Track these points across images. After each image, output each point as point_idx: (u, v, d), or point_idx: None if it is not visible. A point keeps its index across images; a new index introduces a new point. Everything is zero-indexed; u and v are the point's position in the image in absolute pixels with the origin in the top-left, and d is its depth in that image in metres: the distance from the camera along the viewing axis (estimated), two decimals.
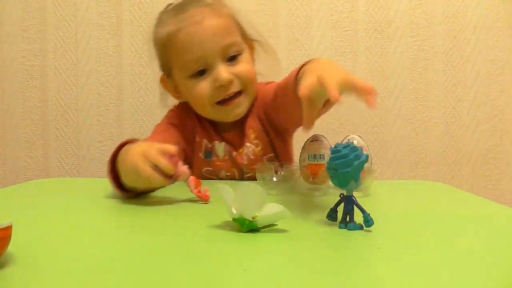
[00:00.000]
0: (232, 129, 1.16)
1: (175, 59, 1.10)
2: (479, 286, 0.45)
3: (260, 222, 0.62)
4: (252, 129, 1.15)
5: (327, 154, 0.94)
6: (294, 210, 0.68)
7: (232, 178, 1.15)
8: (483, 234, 0.66)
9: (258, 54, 1.20)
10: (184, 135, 1.15)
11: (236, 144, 1.15)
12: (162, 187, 0.82)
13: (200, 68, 1.07)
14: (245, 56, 1.12)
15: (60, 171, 1.59)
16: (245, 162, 1.14)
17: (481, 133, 1.58)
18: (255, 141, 1.15)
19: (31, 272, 0.47)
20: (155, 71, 1.25)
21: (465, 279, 0.46)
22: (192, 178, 0.84)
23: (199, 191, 0.84)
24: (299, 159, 0.97)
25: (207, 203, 0.83)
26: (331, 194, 0.92)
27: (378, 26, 1.56)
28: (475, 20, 1.56)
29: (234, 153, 1.14)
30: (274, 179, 0.95)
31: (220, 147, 1.15)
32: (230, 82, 1.07)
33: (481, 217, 0.77)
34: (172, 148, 0.82)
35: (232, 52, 1.08)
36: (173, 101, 1.23)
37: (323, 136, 0.98)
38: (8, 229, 0.47)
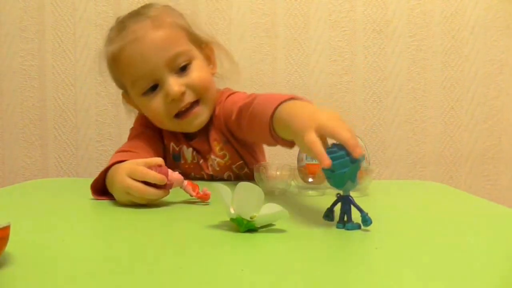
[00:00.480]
0: (197, 137, 1.12)
1: (124, 77, 1.07)
2: (478, 286, 0.45)
3: (258, 222, 0.62)
4: (217, 142, 1.11)
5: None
6: (292, 210, 0.68)
7: (201, 179, 1.12)
8: (482, 234, 0.66)
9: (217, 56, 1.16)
10: (156, 137, 1.13)
11: (203, 152, 1.12)
12: (161, 198, 0.81)
13: (151, 84, 1.04)
14: (196, 63, 1.07)
15: (59, 171, 1.59)
16: (211, 173, 1.13)
17: (479, 133, 1.58)
18: (221, 153, 1.12)
19: (29, 272, 0.47)
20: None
21: (463, 278, 0.46)
22: (187, 182, 0.84)
23: (198, 193, 0.83)
24: (297, 159, 0.97)
25: (208, 203, 0.83)
26: (329, 194, 0.92)
27: (376, 26, 1.56)
28: (474, 20, 1.56)
29: (201, 161, 1.12)
30: (272, 179, 0.95)
31: (188, 152, 1.12)
32: (182, 95, 1.03)
33: (479, 217, 0.77)
34: (158, 159, 0.82)
35: (181, 62, 1.04)
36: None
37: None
38: (6, 229, 0.47)
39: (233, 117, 1.04)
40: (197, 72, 1.06)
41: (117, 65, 1.06)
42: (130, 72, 1.04)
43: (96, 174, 1.48)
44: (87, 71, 1.57)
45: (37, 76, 1.57)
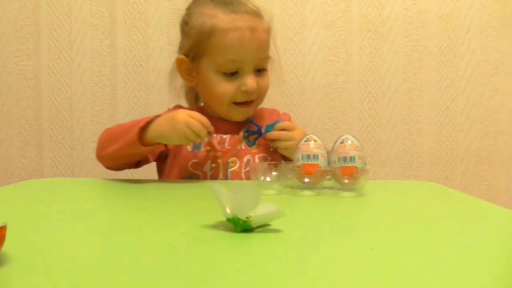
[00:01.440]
0: (222, 129, 1.19)
1: (214, 51, 1.14)
2: (473, 286, 0.45)
3: (254, 222, 0.62)
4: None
5: (321, 154, 0.95)
6: (288, 210, 0.68)
7: (216, 172, 1.16)
8: (477, 234, 0.66)
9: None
10: None
11: (226, 138, 1.20)
12: (203, 139, 1.05)
13: (232, 71, 1.14)
14: (267, 71, 1.22)
15: (54, 171, 1.59)
16: (238, 147, 1.19)
17: (475, 133, 1.59)
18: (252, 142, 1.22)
19: (25, 272, 0.47)
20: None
21: (459, 279, 0.47)
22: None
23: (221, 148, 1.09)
24: (293, 159, 0.98)
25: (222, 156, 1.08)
26: (325, 194, 0.92)
27: (372, 26, 1.57)
28: (469, 20, 1.57)
29: (226, 141, 1.19)
30: (268, 179, 0.95)
31: (211, 139, 1.16)
32: (254, 91, 1.16)
33: (475, 217, 0.78)
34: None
35: (262, 65, 1.18)
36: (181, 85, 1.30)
37: (316, 136, 0.99)
38: (2, 229, 0.47)
39: None
40: (267, 80, 1.22)
41: (216, 38, 1.13)
42: (226, 52, 1.13)
43: (91, 174, 1.48)
44: (83, 71, 1.56)
45: (33, 76, 1.57)
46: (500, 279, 0.48)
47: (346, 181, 0.92)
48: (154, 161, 1.21)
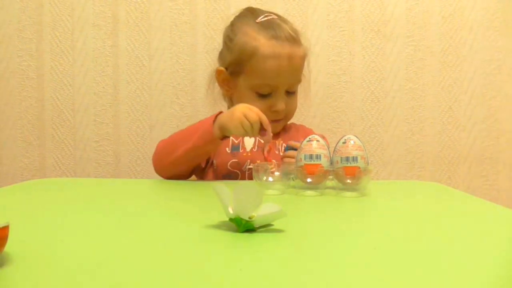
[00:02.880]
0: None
1: (252, 73, 1.23)
2: (476, 286, 0.45)
3: (256, 222, 0.62)
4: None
5: (323, 154, 0.94)
6: (290, 210, 0.68)
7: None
8: (480, 234, 0.66)
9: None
10: None
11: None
12: (254, 135, 1.08)
13: (266, 93, 1.23)
14: (297, 94, 1.31)
15: (57, 171, 1.59)
16: (276, 151, 1.24)
17: (477, 133, 1.59)
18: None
19: (28, 272, 0.47)
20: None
21: (461, 279, 0.47)
22: (270, 144, 1.07)
23: (267, 155, 1.05)
24: (296, 159, 0.98)
25: (270, 165, 0.98)
26: (328, 194, 0.92)
27: (374, 26, 1.56)
28: (472, 20, 1.56)
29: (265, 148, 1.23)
30: (270, 179, 0.95)
31: (249, 140, 1.26)
32: (282, 113, 1.25)
33: (477, 217, 0.77)
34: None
35: (293, 89, 1.28)
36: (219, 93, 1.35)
37: (319, 136, 0.99)
38: (5, 229, 0.47)
39: None
40: (295, 102, 1.31)
41: (256, 61, 1.22)
42: (264, 77, 1.22)
43: (94, 174, 1.48)
44: (85, 71, 1.57)
45: (35, 76, 1.57)
46: (503, 279, 0.48)
47: (348, 181, 0.92)
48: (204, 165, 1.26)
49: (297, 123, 1.41)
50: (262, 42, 1.22)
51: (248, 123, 1.05)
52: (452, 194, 1.06)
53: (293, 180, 0.96)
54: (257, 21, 1.26)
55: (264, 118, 1.06)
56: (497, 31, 1.57)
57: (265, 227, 0.64)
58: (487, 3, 1.56)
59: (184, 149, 1.12)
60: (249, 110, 1.07)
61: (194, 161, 1.18)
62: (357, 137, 0.97)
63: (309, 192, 0.92)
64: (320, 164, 0.94)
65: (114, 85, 1.57)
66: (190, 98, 1.55)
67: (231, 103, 1.32)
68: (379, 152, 1.58)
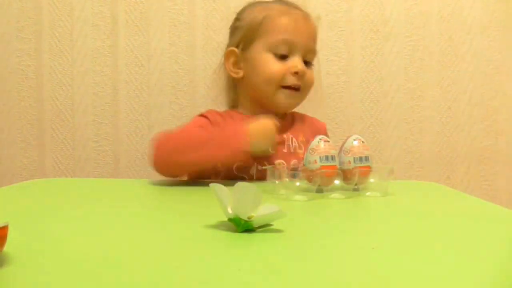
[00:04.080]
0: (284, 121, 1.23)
1: (267, 33, 1.19)
2: (475, 286, 0.45)
3: (255, 222, 0.62)
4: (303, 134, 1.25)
5: (336, 154, 0.94)
6: (290, 211, 0.68)
7: (262, 174, 1.12)
8: (479, 234, 0.66)
9: None
10: None
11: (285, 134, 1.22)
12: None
13: (284, 52, 1.18)
14: (313, 67, 1.25)
15: (56, 171, 1.59)
16: (285, 151, 1.20)
17: (476, 133, 1.59)
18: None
19: (27, 272, 0.47)
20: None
21: (460, 279, 0.47)
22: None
23: None
24: (307, 161, 0.93)
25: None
26: (354, 196, 0.91)
27: (373, 26, 1.56)
28: (471, 20, 1.57)
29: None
30: (298, 184, 0.92)
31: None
32: (303, 74, 1.18)
33: (476, 217, 0.77)
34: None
35: (310, 58, 1.22)
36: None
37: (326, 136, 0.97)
38: (4, 228, 0.47)
39: None
40: (312, 76, 1.24)
41: (268, 23, 1.19)
42: (279, 31, 1.18)
43: (93, 174, 1.48)
44: (84, 72, 1.57)
45: (34, 76, 1.57)
46: (502, 279, 0.48)
47: (372, 180, 0.92)
48: None
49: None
50: (272, 7, 1.21)
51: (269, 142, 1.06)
52: (451, 194, 1.06)
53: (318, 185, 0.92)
54: (263, 1, 1.26)
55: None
56: (496, 31, 1.57)
57: (264, 227, 0.64)
58: (486, 3, 1.56)
59: (203, 155, 1.05)
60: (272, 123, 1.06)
61: (208, 169, 1.15)
62: (361, 137, 0.97)
63: (336, 195, 0.91)
64: (335, 165, 0.92)
65: (113, 85, 1.57)
66: (189, 98, 1.55)
67: (240, 88, 1.28)
68: (378, 152, 1.58)
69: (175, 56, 1.56)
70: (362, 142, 0.95)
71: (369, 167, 0.94)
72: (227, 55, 1.25)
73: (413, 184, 1.25)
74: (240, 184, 0.61)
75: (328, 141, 0.95)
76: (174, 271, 0.48)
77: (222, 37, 1.50)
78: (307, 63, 1.21)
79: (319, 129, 1.30)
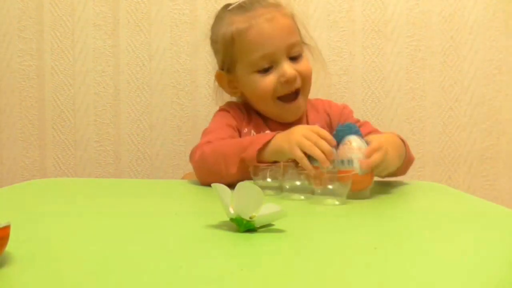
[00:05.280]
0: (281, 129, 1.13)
1: (242, 54, 1.15)
2: (477, 286, 0.45)
3: (257, 222, 0.62)
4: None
5: (356, 158, 0.88)
6: (291, 210, 0.68)
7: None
8: (480, 234, 0.66)
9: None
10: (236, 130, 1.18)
11: None
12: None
13: (268, 65, 1.13)
14: (305, 56, 1.19)
15: (57, 171, 1.59)
16: None
17: (478, 133, 1.59)
18: None
19: (29, 272, 0.47)
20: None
21: (462, 278, 0.47)
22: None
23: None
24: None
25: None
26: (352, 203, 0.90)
27: (375, 26, 1.56)
28: (472, 20, 1.56)
29: None
30: (298, 182, 0.90)
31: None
32: (295, 78, 1.13)
33: (478, 217, 0.77)
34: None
35: (295, 52, 1.15)
36: (228, 97, 1.29)
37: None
38: (6, 229, 0.47)
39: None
40: (306, 64, 1.17)
41: (239, 42, 1.14)
42: (253, 50, 1.12)
43: (94, 174, 1.48)
44: (86, 71, 1.57)
45: (36, 76, 1.57)
46: (503, 279, 0.48)
47: (330, 187, 0.83)
48: None
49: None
50: (236, 21, 1.15)
51: (309, 145, 0.90)
52: (452, 194, 1.06)
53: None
54: (229, 9, 1.19)
55: (330, 137, 0.92)
56: (498, 31, 1.57)
57: (266, 227, 0.64)
58: (487, 3, 1.56)
59: (238, 169, 1.00)
60: (308, 131, 0.93)
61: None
62: (360, 137, 0.91)
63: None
64: (352, 169, 0.87)
65: (114, 85, 1.57)
66: (190, 98, 1.55)
67: (248, 101, 1.23)
68: None
69: (177, 56, 1.56)
70: (354, 144, 0.89)
71: (350, 170, 0.86)
72: (218, 77, 1.23)
73: (415, 184, 1.25)
74: (242, 184, 0.61)
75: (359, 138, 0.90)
76: (176, 270, 0.48)
77: None
78: (295, 58, 1.15)
79: (335, 113, 1.25)
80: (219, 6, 1.53)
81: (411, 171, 1.58)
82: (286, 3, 1.20)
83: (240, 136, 1.17)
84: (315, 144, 0.90)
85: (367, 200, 0.89)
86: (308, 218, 0.74)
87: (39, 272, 0.47)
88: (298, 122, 1.18)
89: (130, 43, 1.56)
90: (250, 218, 0.61)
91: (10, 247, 0.48)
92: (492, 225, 0.72)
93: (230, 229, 0.63)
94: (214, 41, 1.23)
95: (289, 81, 1.12)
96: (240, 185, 0.61)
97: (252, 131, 1.17)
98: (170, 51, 1.56)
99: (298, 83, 1.15)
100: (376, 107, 1.57)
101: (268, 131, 1.15)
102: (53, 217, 0.73)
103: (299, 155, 0.91)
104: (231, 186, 0.64)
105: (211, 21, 1.27)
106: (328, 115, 1.24)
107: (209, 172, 1.03)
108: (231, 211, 0.62)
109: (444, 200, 0.96)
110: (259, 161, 0.97)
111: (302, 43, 1.21)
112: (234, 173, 0.99)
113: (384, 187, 1.08)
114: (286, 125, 1.10)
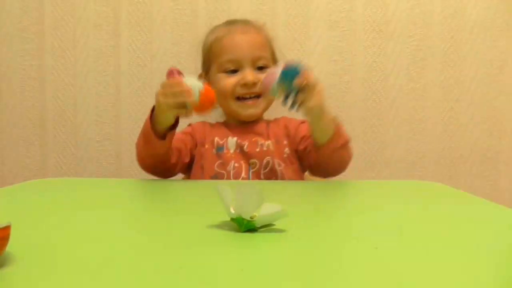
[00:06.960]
0: (243, 133, 1.29)
1: (215, 57, 1.31)
2: (478, 286, 0.45)
3: (258, 222, 0.62)
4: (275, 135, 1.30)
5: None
6: (292, 210, 0.68)
7: (238, 171, 1.21)
8: (482, 234, 0.66)
9: None
10: (194, 141, 1.29)
11: (247, 141, 1.27)
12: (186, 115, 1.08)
13: (233, 68, 1.29)
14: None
15: (58, 171, 1.59)
16: (257, 149, 1.25)
17: (479, 133, 1.59)
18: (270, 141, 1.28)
19: (30, 272, 0.47)
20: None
21: (463, 279, 0.47)
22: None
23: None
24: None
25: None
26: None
27: (376, 26, 1.56)
28: (473, 20, 1.56)
29: (246, 145, 1.25)
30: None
31: (232, 142, 1.26)
32: (253, 84, 1.26)
33: (479, 217, 0.77)
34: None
35: (260, 63, 1.30)
36: None
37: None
38: (6, 229, 0.47)
39: (300, 136, 1.28)
40: None
41: (215, 46, 1.32)
42: (223, 54, 1.30)
43: (95, 174, 1.48)
44: (87, 71, 1.57)
45: (37, 76, 1.58)
46: (505, 279, 0.47)
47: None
48: (188, 161, 1.26)
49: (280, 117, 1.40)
50: (218, 31, 1.34)
51: (165, 92, 1.07)
52: (453, 194, 1.06)
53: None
54: (220, 23, 1.38)
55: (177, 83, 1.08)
56: (499, 31, 1.57)
57: (267, 227, 0.64)
58: (488, 3, 1.56)
59: (143, 147, 1.15)
60: (161, 89, 1.09)
61: (160, 157, 1.18)
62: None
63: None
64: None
65: (115, 85, 1.57)
66: None
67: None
68: (380, 152, 1.58)
69: (178, 56, 1.56)
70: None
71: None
72: (199, 78, 1.31)
73: (416, 184, 1.25)
74: (243, 184, 0.61)
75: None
76: (177, 270, 0.48)
77: None
78: (261, 68, 1.29)
79: (293, 126, 1.33)
80: (219, 7, 1.55)
81: (411, 171, 1.58)
82: (267, 28, 1.38)
83: (196, 151, 1.28)
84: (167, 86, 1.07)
85: (367, 200, 0.89)
86: (309, 218, 0.74)
87: (40, 272, 0.47)
88: (256, 124, 1.31)
89: (131, 43, 1.56)
90: (251, 218, 0.61)
91: (10, 247, 0.48)
92: (493, 225, 0.72)
93: (231, 229, 0.63)
94: (202, 48, 1.39)
95: (247, 84, 1.27)
96: (241, 185, 0.61)
97: (216, 139, 1.27)
98: (171, 51, 1.56)
99: (255, 89, 1.27)
100: (377, 107, 1.57)
101: (230, 137, 1.27)
102: (53, 217, 0.73)
103: (163, 107, 1.07)
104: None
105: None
106: (286, 127, 1.32)
107: (137, 151, 1.19)
108: (232, 211, 0.62)
109: (445, 200, 0.96)
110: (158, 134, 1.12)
111: (271, 59, 1.35)
112: (143, 145, 1.15)
113: (384, 187, 1.08)
114: (244, 125, 1.30)
